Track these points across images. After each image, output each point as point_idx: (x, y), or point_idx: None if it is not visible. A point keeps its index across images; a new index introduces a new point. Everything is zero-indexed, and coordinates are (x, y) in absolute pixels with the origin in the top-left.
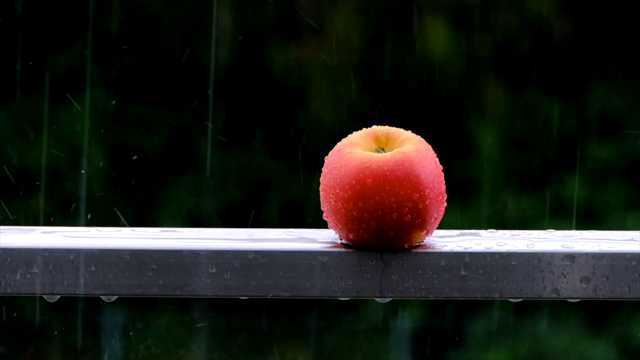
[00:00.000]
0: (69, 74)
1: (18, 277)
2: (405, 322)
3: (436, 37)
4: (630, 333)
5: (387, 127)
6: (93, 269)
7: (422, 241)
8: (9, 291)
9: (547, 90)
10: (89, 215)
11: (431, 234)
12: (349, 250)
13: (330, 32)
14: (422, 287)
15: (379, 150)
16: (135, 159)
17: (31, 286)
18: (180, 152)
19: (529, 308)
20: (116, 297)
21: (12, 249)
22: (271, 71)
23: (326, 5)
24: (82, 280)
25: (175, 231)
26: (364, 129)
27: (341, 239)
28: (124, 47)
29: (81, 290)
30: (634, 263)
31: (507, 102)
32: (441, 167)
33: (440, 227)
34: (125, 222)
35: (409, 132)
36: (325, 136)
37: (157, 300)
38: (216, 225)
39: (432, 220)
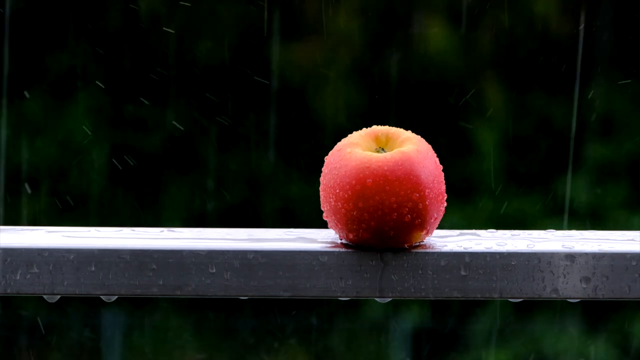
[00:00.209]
0: (68, 74)
1: (18, 277)
2: (405, 322)
3: (436, 37)
4: (630, 333)
5: (387, 127)
6: (93, 269)
7: (422, 241)
8: (9, 291)
9: (547, 90)
10: (89, 215)
11: (431, 234)
12: (349, 250)
13: (330, 32)
14: (422, 287)
15: (379, 150)
16: (135, 159)
17: (31, 286)
18: (180, 152)
19: (529, 308)
20: (116, 297)
21: (12, 249)
22: (271, 71)
23: (326, 5)
24: (82, 280)
25: (175, 231)
26: (364, 129)
27: (341, 239)
28: (123, 46)
29: (81, 290)
30: (634, 263)
31: (507, 102)
32: (441, 167)
33: (440, 227)
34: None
35: (409, 132)
36: (325, 136)
37: (157, 300)
38: (216, 225)
39: (432, 220)
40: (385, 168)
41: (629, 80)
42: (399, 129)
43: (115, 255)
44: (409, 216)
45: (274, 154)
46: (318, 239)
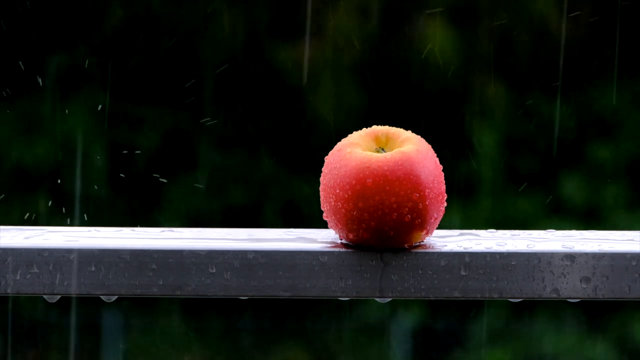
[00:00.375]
0: (68, 74)
1: (18, 277)
2: (405, 322)
3: (436, 36)
4: (630, 333)
5: (387, 127)
6: (93, 269)
7: (422, 241)
8: (9, 291)
9: (547, 90)
10: (89, 216)
11: (431, 234)
12: (349, 250)
13: (330, 32)
14: (422, 287)
15: (379, 150)
16: (135, 159)
17: (31, 286)
18: (180, 152)
19: (529, 308)
20: (116, 297)
21: (12, 249)
22: (271, 71)
23: (327, 4)
24: (82, 280)
25: (175, 231)
26: (364, 129)
27: (341, 239)
28: (123, 47)
29: (81, 290)
30: (634, 263)
31: (507, 102)
32: (441, 167)
33: (440, 227)
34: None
35: (409, 132)
36: (325, 136)
37: (156, 300)
38: (216, 225)
39: (432, 220)
40: (385, 168)
41: (629, 80)
42: (399, 129)
43: (115, 255)
44: (409, 216)
45: (274, 154)
46: (318, 239)
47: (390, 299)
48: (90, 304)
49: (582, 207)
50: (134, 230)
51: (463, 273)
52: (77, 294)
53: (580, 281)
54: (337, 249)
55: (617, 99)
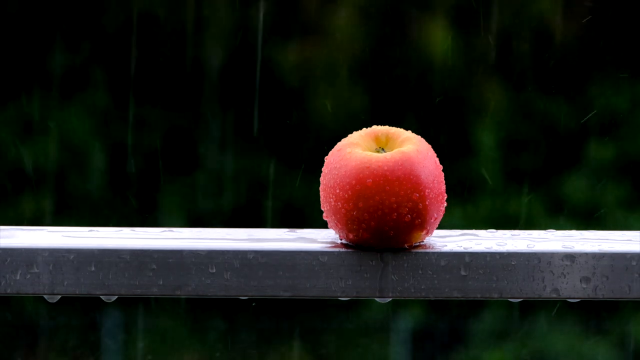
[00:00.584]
0: (69, 74)
1: (18, 277)
2: (405, 322)
3: (436, 37)
4: (630, 333)
5: (387, 127)
6: (93, 269)
7: (422, 241)
8: (9, 291)
9: (547, 90)
10: (89, 216)
11: (431, 234)
12: (349, 250)
13: (330, 32)
14: (422, 287)
15: (379, 150)
16: (135, 158)
17: (31, 286)
18: (180, 152)
19: (529, 308)
20: (116, 297)
21: (12, 249)
22: (271, 71)
23: (327, 4)
24: (82, 280)
25: (175, 231)
26: (364, 129)
27: (341, 239)
28: (124, 47)
29: (81, 290)
30: (634, 263)
31: (507, 102)
32: (441, 167)
33: (440, 227)
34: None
35: (409, 132)
36: (326, 136)
37: (156, 300)
38: (216, 225)
39: (432, 220)
40: (385, 168)
41: (629, 80)
42: (399, 129)
43: (115, 255)
44: (409, 216)
45: (274, 154)
46: (318, 239)
47: (390, 299)
48: (90, 304)
49: (582, 207)
50: (133, 230)
51: (463, 273)
52: (77, 294)
53: (580, 281)
54: (337, 249)
55: (618, 98)
